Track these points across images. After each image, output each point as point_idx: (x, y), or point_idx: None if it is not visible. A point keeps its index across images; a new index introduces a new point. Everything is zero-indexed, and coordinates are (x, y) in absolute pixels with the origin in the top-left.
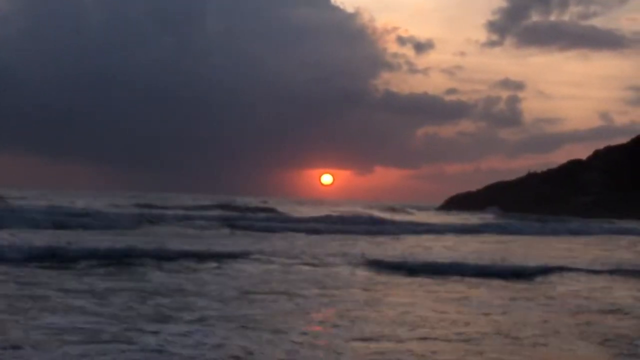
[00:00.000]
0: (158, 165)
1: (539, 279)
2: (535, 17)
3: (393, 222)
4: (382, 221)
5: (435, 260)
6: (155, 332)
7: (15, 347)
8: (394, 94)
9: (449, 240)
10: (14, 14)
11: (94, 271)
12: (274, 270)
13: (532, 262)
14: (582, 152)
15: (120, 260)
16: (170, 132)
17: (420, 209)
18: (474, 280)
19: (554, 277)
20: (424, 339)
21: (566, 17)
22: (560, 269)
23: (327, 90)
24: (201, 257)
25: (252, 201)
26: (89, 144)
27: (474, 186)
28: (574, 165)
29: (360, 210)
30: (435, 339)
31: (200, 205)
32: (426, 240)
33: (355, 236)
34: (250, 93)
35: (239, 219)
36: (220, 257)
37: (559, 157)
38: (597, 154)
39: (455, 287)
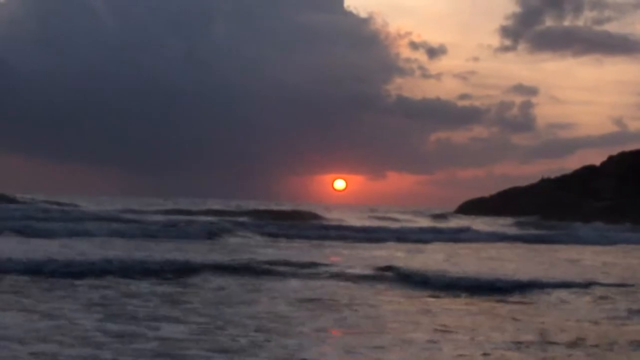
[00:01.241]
0: (166, 169)
1: None
2: (548, 22)
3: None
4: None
5: None
6: None
7: None
8: (406, 99)
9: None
10: (25, 17)
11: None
12: None
13: None
14: (596, 157)
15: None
16: (179, 136)
17: (434, 214)
18: None
19: None
20: None
21: (580, 22)
22: None
23: (340, 95)
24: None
25: (282, 207)
26: (96, 147)
27: (487, 192)
28: (587, 171)
29: (400, 216)
30: None
31: (236, 211)
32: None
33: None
34: (261, 98)
35: (307, 229)
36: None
37: (572, 163)
38: (610, 160)
39: None
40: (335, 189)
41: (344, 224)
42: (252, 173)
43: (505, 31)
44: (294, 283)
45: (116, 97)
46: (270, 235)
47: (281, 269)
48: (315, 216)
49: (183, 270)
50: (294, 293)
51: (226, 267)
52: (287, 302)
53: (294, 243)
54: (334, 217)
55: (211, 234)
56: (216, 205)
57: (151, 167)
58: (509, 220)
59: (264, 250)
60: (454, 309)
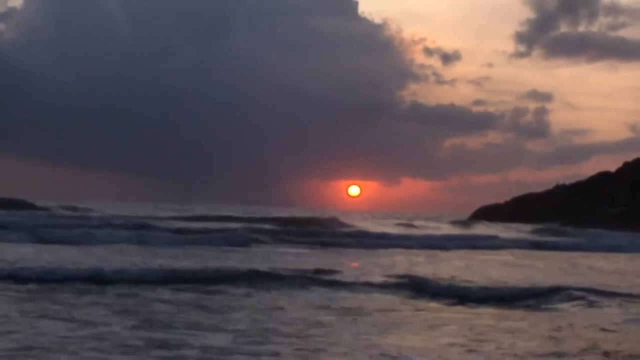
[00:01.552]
0: (179, 175)
1: None
2: (563, 28)
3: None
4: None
5: None
6: None
7: None
8: (421, 104)
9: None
10: (43, 24)
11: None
12: None
13: None
14: (611, 164)
15: None
16: (192, 141)
17: (455, 221)
18: None
19: None
20: None
21: (595, 28)
22: None
23: (354, 101)
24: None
25: (306, 214)
26: (110, 152)
27: (501, 198)
28: (602, 177)
29: (424, 223)
30: None
31: (260, 218)
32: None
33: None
34: (275, 103)
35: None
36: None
37: (587, 169)
38: (626, 166)
39: None
40: (349, 195)
41: (374, 231)
42: (266, 179)
43: (519, 37)
44: (331, 292)
45: (130, 103)
46: (296, 242)
47: (320, 277)
48: (342, 224)
49: (217, 279)
50: (331, 301)
51: (263, 275)
52: (326, 311)
53: (323, 250)
54: (360, 224)
55: (244, 241)
56: (233, 211)
57: (165, 172)
58: (527, 227)
59: (294, 258)
60: (486, 317)
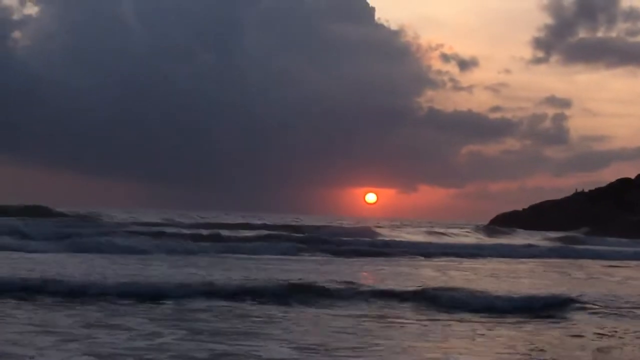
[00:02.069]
0: (194, 182)
1: None
2: (581, 34)
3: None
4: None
5: None
6: None
7: None
8: (438, 111)
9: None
10: (58, 31)
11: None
12: None
13: None
14: (631, 170)
15: None
16: (208, 149)
17: (469, 227)
18: None
19: None
20: None
21: (613, 34)
22: None
23: (371, 107)
24: None
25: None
26: (125, 161)
27: (520, 205)
28: (622, 184)
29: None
30: None
31: (294, 226)
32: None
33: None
34: (292, 110)
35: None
36: None
37: (606, 176)
38: None
39: None
40: (366, 202)
41: (413, 240)
42: (283, 185)
43: (537, 43)
44: (384, 302)
45: (146, 109)
46: (334, 252)
47: (373, 288)
48: (377, 233)
49: (277, 291)
50: (383, 312)
51: (311, 288)
52: (380, 322)
53: (366, 259)
54: (392, 233)
55: (291, 250)
56: (256, 218)
57: (179, 179)
58: (553, 234)
59: (337, 268)
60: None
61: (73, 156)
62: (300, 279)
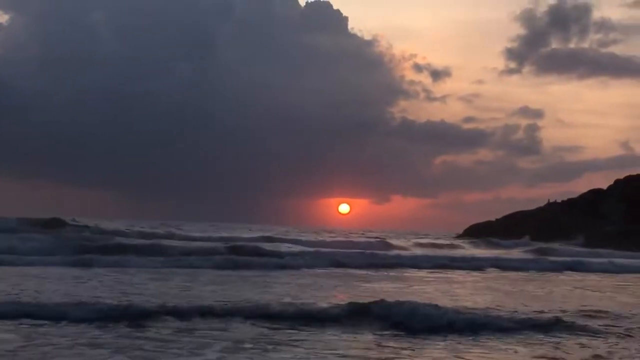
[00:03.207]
0: (168, 193)
1: None
2: (554, 45)
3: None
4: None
5: None
6: None
7: None
8: (411, 121)
9: None
10: (31, 41)
11: None
12: None
13: None
14: (602, 181)
15: None
16: (182, 159)
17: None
18: None
19: None
20: None
21: (586, 45)
22: None
23: (344, 118)
24: None
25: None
26: (97, 169)
27: (493, 215)
28: (594, 195)
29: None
30: None
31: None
32: None
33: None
34: (265, 120)
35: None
36: None
37: (579, 186)
38: (617, 183)
39: None
40: (339, 213)
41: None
42: (256, 196)
43: (510, 53)
44: None
45: (119, 120)
46: (343, 265)
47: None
48: (392, 245)
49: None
50: None
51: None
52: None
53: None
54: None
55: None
56: (235, 231)
57: (153, 190)
58: (520, 245)
59: (370, 284)
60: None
61: (43, 165)
62: None
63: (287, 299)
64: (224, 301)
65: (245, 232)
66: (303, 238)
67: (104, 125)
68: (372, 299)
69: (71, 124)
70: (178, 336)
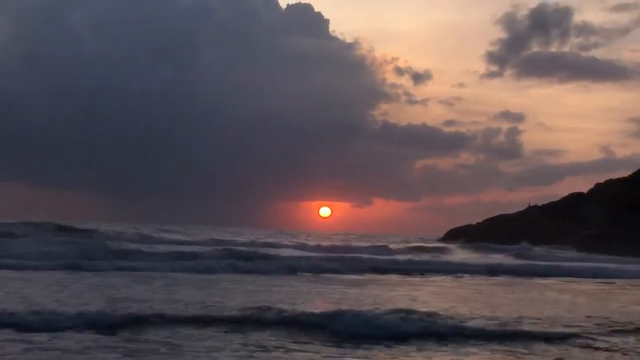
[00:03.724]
0: (147, 195)
1: None
2: (535, 48)
3: None
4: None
5: None
6: None
7: None
8: (392, 125)
9: None
10: (10, 42)
11: None
12: None
13: None
14: (583, 184)
15: None
16: (162, 162)
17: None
18: None
19: None
20: None
21: (566, 49)
22: None
23: (325, 121)
24: None
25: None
26: (77, 172)
27: (474, 219)
28: (575, 199)
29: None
30: None
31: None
32: None
33: None
34: (245, 123)
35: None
36: None
37: (559, 190)
38: (598, 187)
39: None
40: (320, 216)
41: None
42: (237, 199)
43: (491, 57)
44: None
45: (100, 122)
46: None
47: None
48: (394, 251)
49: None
50: None
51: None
52: None
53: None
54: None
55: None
56: (218, 234)
57: (132, 192)
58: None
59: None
60: None
61: (20, 167)
62: None
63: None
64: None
65: (238, 236)
66: (311, 243)
67: (83, 126)
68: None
69: (49, 125)
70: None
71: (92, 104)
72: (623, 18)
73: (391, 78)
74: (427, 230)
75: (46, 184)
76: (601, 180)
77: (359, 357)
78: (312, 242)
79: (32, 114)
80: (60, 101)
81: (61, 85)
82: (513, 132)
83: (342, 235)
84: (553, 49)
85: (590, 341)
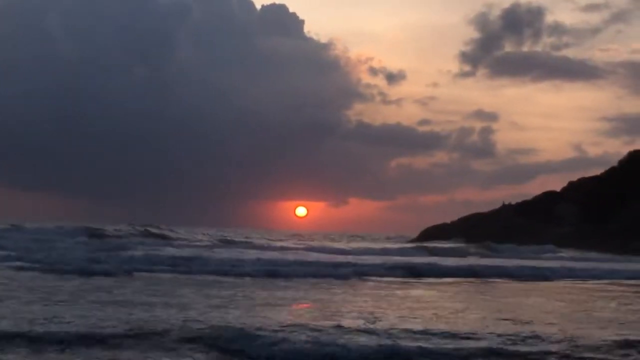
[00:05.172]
0: (122, 196)
1: None
2: (507, 48)
3: None
4: None
5: None
6: None
7: None
8: (367, 124)
9: None
10: None
11: None
12: None
13: None
14: (556, 183)
15: None
16: (136, 162)
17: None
18: None
19: None
20: None
21: (539, 48)
22: None
23: (300, 121)
24: None
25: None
26: (54, 173)
27: (449, 217)
28: (548, 197)
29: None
30: None
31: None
32: None
33: None
34: (221, 123)
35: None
36: None
37: (533, 188)
38: (571, 185)
39: None
40: (296, 216)
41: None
42: (212, 198)
43: (464, 57)
44: None
45: (76, 123)
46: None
47: None
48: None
49: None
50: None
51: None
52: None
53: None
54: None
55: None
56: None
57: (105, 193)
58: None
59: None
60: None
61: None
62: None
63: None
64: None
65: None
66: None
67: (56, 128)
68: None
69: (19, 124)
70: None
71: (62, 105)
72: (594, 18)
73: (366, 78)
74: (402, 229)
75: (13, 186)
76: (574, 178)
77: None
78: (316, 244)
79: (4, 115)
80: (32, 103)
81: (35, 87)
82: (487, 131)
83: (321, 234)
84: (525, 48)
85: None
